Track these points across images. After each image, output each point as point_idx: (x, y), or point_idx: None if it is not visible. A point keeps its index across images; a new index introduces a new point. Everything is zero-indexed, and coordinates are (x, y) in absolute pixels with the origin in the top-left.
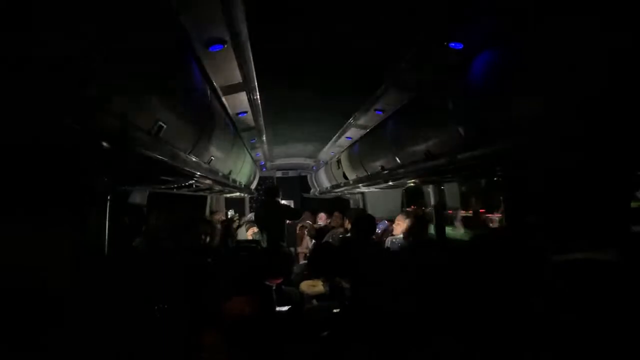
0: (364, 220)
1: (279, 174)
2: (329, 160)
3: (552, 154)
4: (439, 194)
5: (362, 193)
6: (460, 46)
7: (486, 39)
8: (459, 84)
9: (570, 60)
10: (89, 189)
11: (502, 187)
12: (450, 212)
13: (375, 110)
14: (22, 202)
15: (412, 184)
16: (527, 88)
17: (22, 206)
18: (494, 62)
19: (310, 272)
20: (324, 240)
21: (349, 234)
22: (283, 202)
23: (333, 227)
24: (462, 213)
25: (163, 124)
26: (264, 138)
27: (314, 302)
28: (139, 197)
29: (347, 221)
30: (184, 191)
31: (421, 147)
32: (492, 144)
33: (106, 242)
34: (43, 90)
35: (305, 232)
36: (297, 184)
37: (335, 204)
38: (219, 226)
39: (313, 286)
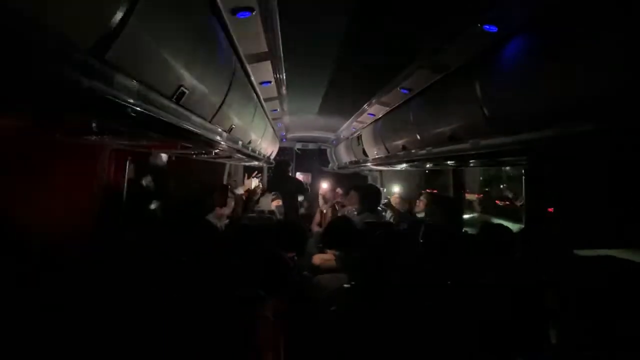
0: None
1: (298, 145)
2: (349, 136)
3: (581, 148)
4: (459, 178)
5: (381, 171)
6: (494, 29)
7: (521, 23)
8: (489, 68)
9: (607, 51)
10: (108, 151)
11: (526, 178)
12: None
13: (401, 88)
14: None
15: (432, 166)
16: (559, 78)
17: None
18: (527, 48)
19: (322, 243)
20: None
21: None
22: (298, 174)
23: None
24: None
25: (186, 90)
26: (286, 109)
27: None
28: (159, 160)
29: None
30: (203, 158)
31: (444, 130)
32: (518, 132)
33: (123, 205)
34: (60, 49)
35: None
36: (316, 157)
37: (353, 180)
38: (238, 195)
39: (325, 260)
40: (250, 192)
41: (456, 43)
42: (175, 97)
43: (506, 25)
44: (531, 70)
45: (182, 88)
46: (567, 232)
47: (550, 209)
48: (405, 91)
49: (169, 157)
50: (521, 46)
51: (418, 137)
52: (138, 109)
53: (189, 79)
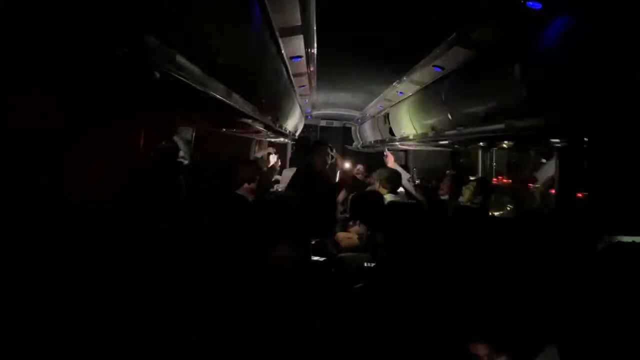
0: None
1: (322, 123)
2: (376, 114)
3: (625, 132)
4: (489, 160)
5: (406, 150)
6: (538, 6)
7: (568, 1)
8: (530, 48)
9: None
10: (139, 119)
11: (560, 161)
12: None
13: (434, 66)
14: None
15: (461, 147)
16: (607, 60)
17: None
18: (573, 28)
19: (349, 215)
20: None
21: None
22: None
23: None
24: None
25: (219, 61)
26: (314, 85)
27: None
28: (186, 132)
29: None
30: (231, 132)
31: (478, 110)
32: (557, 113)
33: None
34: (97, 19)
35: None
36: (340, 135)
37: (377, 159)
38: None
39: (349, 238)
40: (270, 168)
41: (496, 20)
42: (208, 68)
43: (552, 2)
44: (576, 52)
45: (215, 59)
46: (603, 217)
47: (583, 194)
48: (438, 69)
49: (197, 131)
50: (567, 26)
51: (449, 116)
52: (171, 79)
53: (222, 51)
